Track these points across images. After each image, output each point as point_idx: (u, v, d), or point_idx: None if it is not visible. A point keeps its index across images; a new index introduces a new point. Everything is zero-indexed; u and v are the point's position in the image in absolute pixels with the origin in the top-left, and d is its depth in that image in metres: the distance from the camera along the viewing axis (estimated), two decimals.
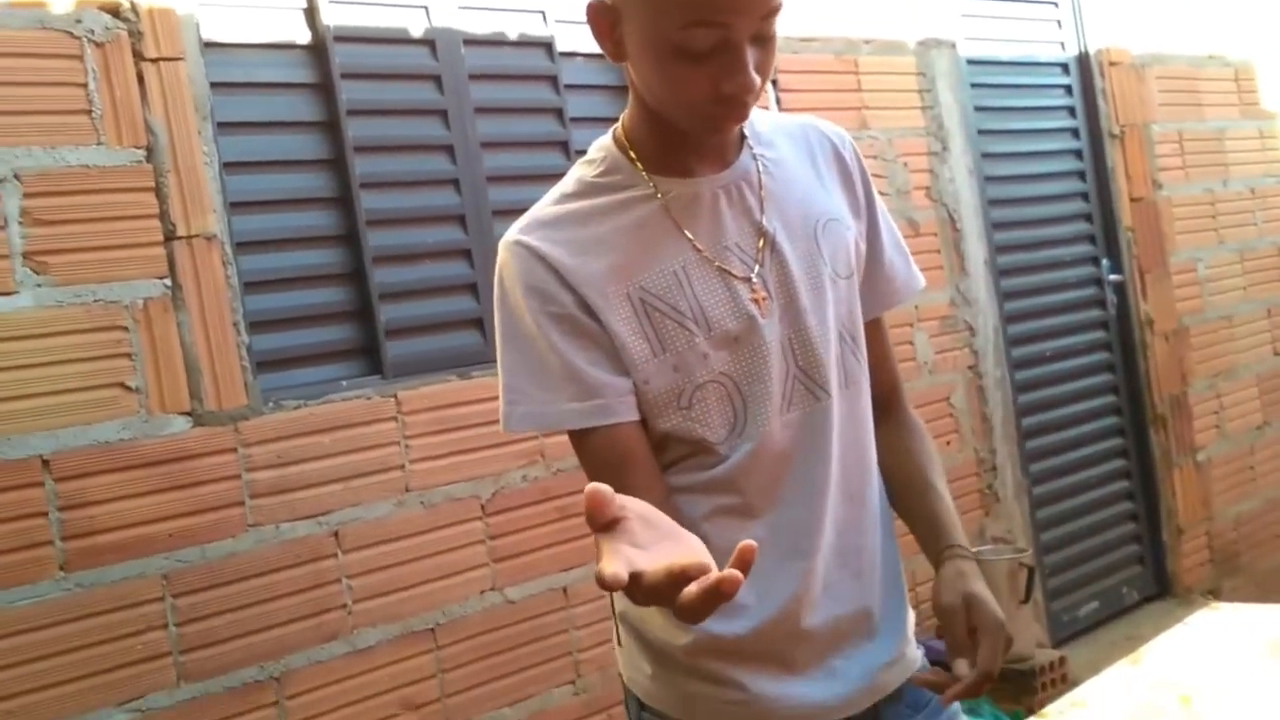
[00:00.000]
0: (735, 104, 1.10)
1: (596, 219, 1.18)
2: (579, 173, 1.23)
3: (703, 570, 0.72)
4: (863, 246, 1.29)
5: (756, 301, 1.17)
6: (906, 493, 1.32)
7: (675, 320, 1.16)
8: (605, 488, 0.74)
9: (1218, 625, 2.05)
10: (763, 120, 1.28)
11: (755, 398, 1.18)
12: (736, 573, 0.71)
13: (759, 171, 1.22)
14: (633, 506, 0.78)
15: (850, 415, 1.24)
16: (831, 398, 1.20)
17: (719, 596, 0.71)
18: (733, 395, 1.18)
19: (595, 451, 1.17)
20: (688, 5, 1.04)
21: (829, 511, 1.21)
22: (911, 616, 1.32)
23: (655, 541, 0.77)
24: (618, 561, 0.71)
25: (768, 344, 1.17)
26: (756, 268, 1.18)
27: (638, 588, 0.72)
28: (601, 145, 1.23)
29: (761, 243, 1.20)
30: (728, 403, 1.18)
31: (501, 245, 1.19)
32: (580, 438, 1.18)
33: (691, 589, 0.71)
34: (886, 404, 1.35)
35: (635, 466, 1.17)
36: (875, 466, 1.28)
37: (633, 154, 1.20)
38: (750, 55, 1.08)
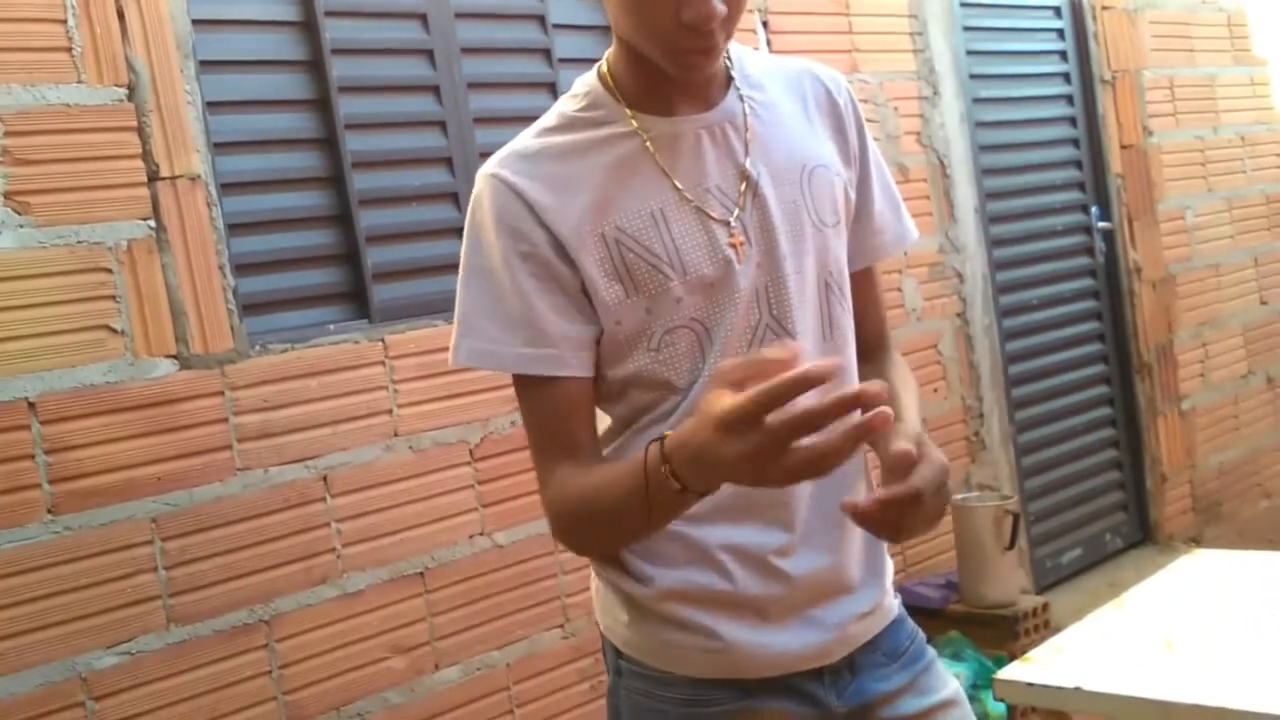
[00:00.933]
0: (700, 35, 1.08)
1: (576, 155, 1.16)
2: (561, 107, 1.21)
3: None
4: (852, 195, 1.27)
5: (734, 246, 1.15)
6: None
7: (649, 263, 1.14)
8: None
9: (1199, 571, 2.07)
10: (754, 62, 1.26)
11: (719, 342, 1.16)
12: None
13: (745, 113, 1.20)
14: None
15: (838, 366, 1.22)
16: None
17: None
18: (702, 340, 1.16)
19: (539, 399, 1.16)
20: None
21: (795, 491, 1.18)
22: (890, 567, 1.31)
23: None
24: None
25: (741, 290, 1.15)
26: (736, 211, 1.17)
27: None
28: (586, 81, 1.21)
29: (744, 186, 1.17)
30: (697, 347, 1.16)
31: (478, 176, 1.18)
32: (525, 383, 1.17)
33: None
34: (872, 351, 1.34)
35: (579, 421, 1.17)
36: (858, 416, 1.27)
37: (616, 91, 1.18)
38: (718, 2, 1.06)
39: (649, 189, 1.15)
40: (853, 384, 1.20)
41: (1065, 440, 4.20)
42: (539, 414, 1.17)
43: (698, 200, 1.16)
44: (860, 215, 1.29)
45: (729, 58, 1.22)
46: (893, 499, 1.01)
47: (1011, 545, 3.24)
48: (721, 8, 1.07)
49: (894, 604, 1.31)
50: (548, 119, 1.20)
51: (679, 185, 1.16)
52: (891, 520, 1.03)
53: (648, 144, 1.16)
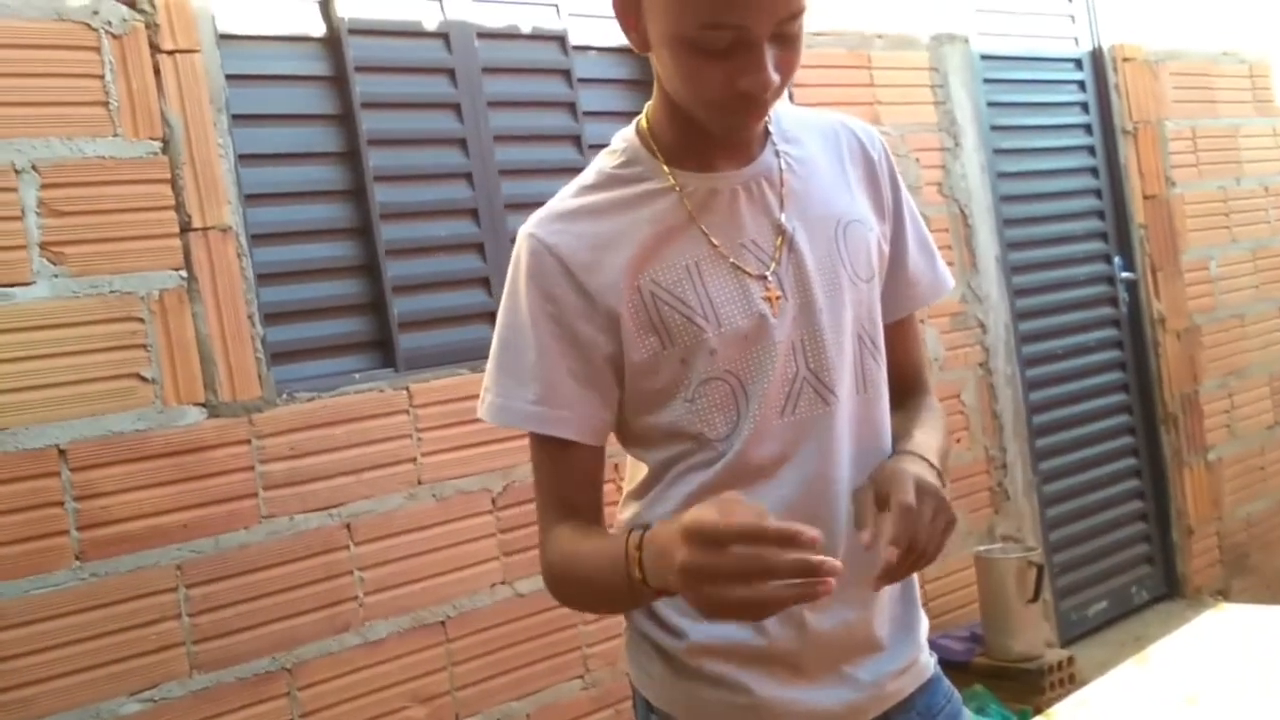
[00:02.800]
0: (753, 101, 1.10)
1: (614, 212, 1.18)
2: (600, 164, 1.23)
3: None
4: (885, 248, 1.28)
5: (769, 300, 1.17)
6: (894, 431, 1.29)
7: (684, 314, 1.15)
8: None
9: (1226, 627, 2.05)
10: (789, 116, 1.27)
11: (756, 396, 1.16)
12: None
13: (781, 169, 1.21)
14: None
15: (865, 419, 1.22)
16: (839, 401, 1.19)
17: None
18: (737, 393, 1.17)
19: (547, 458, 1.20)
20: (704, 6, 1.04)
21: (838, 516, 1.19)
22: (925, 623, 1.31)
23: None
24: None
25: (777, 344, 1.16)
26: (773, 265, 1.18)
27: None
28: (624, 136, 1.23)
29: (779, 240, 1.19)
30: (731, 400, 1.17)
31: (519, 234, 1.20)
32: (536, 440, 1.20)
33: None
34: (909, 397, 1.34)
35: (582, 487, 1.20)
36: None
37: (654, 146, 1.20)
38: (770, 54, 1.07)
39: (684, 244, 1.17)
40: (884, 433, 1.25)
41: (1090, 491, 4.17)
42: (545, 471, 1.21)
43: (733, 255, 1.17)
44: (895, 267, 1.30)
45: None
46: (890, 575, 1.07)
47: (1036, 598, 3.22)
48: (776, 77, 1.08)
49: (929, 662, 1.30)
50: (586, 176, 1.22)
51: (714, 241, 1.17)
52: (914, 552, 1.07)
53: (685, 200, 1.18)
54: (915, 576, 1.29)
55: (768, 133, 1.23)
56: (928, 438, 1.24)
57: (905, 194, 1.31)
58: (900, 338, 1.32)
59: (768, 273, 1.18)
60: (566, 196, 1.21)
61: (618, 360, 1.17)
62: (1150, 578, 4.34)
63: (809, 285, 1.19)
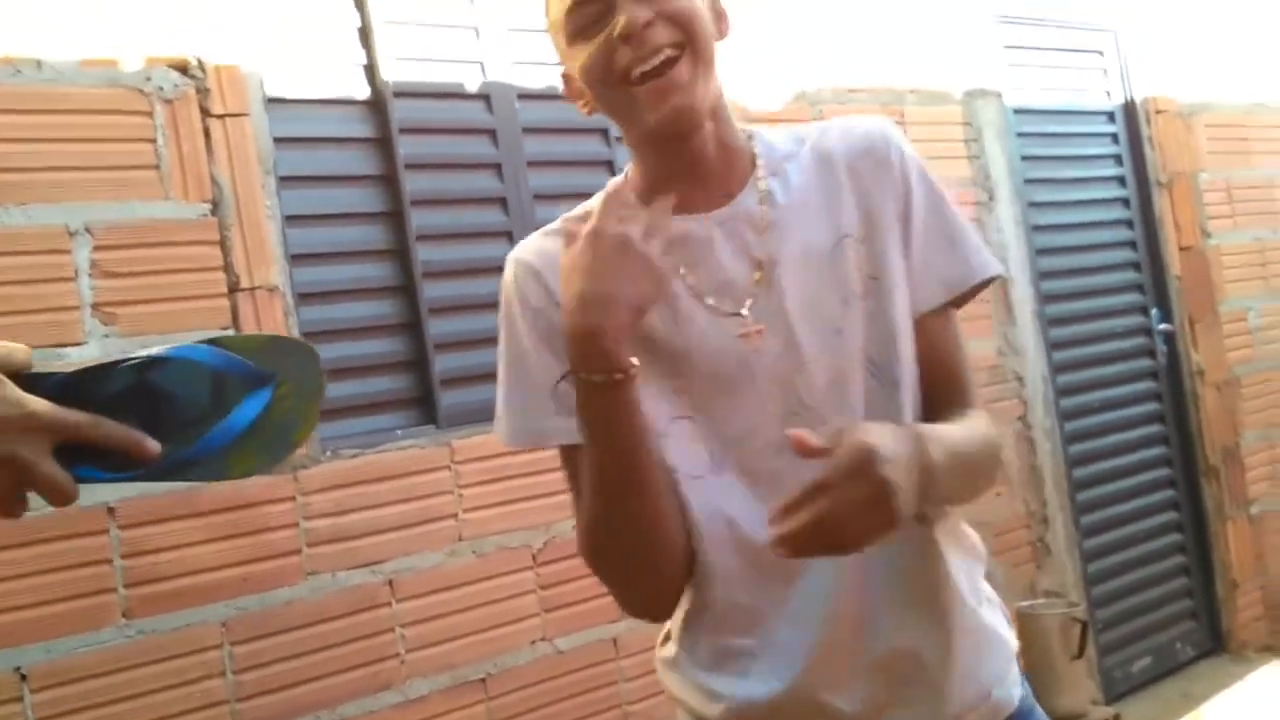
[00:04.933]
0: (641, 48, 1.09)
1: None
2: (591, 201, 1.22)
3: None
4: (896, 251, 1.18)
5: (746, 337, 1.14)
6: None
7: (656, 353, 1.13)
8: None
9: (1276, 683, 2.02)
10: (787, 139, 1.22)
11: (739, 438, 1.13)
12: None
13: (763, 204, 1.17)
14: None
15: None
16: None
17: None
18: (706, 436, 1.14)
19: (578, 468, 1.15)
20: None
21: (848, 571, 1.11)
22: (1003, 651, 1.20)
23: None
24: None
25: (757, 380, 1.13)
26: (749, 302, 1.14)
27: None
28: (614, 181, 1.23)
29: (758, 276, 1.15)
30: (700, 443, 1.14)
31: (506, 260, 1.21)
32: (564, 453, 1.18)
33: None
34: (947, 412, 1.18)
35: None
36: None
37: (634, 192, 1.18)
38: (641, 10, 1.08)
39: None
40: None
41: (1132, 545, 4.12)
42: (576, 480, 1.17)
43: (708, 295, 1.15)
44: (912, 266, 1.19)
45: (756, 143, 1.20)
46: (796, 501, 0.95)
47: (1080, 654, 3.17)
48: (643, 13, 1.08)
49: (1010, 696, 1.19)
50: (577, 210, 1.23)
51: (689, 282, 1.15)
52: (813, 528, 0.94)
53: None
54: (976, 597, 1.19)
55: (754, 166, 1.19)
56: (944, 426, 1.11)
57: (921, 185, 1.20)
58: (921, 342, 1.19)
59: (744, 309, 1.14)
60: (555, 224, 1.21)
61: None
62: (1195, 633, 4.27)
63: (790, 320, 1.14)
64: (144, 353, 0.97)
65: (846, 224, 1.17)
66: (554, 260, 1.14)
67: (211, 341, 1.03)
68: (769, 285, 1.15)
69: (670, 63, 1.10)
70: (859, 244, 1.17)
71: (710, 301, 1.15)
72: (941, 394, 1.18)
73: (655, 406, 1.13)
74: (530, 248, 1.21)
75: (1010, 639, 1.24)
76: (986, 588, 1.24)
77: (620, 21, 1.08)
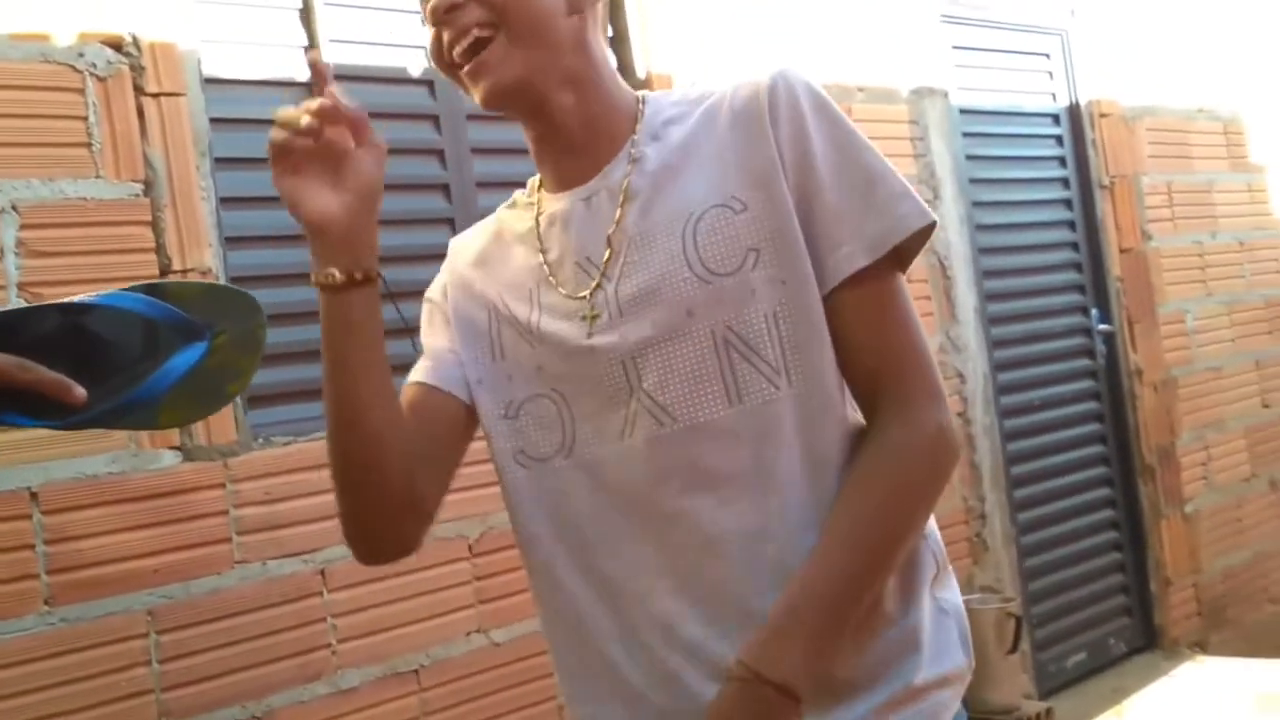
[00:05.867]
0: (449, 25, 1.09)
1: (499, 236, 1.24)
2: (520, 192, 1.27)
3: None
4: (791, 213, 1.06)
5: (589, 319, 1.11)
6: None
7: (517, 331, 1.17)
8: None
9: (1203, 679, 2.06)
10: (679, 101, 1.16)
11: (584, 418, 1.12)
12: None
13: (628, 174, 1.13)
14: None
15: (753, 436, 1.05)
16: (677, 422, 1.06)
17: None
18: (561, 412, 1.14)
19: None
20: None
21: (706, 544, 1.05)
22: (921, 655, 1.09)
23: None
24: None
25: (599, 364, 1.10)
26: (596, 283, 1.11)
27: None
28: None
29: (608, 255, 1.11)
30: (556, 420, 1.14)
31: None
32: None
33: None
34: (871, 410, 1.08)
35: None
36: (794, 492, 1.06)
37: (539, 172, 1.22)
38: None
39: (525, 265, 1.18)
40: (778, 449, 1.05)
41: (1068, 542, 4.17)
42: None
43: (557, 274, 1.15)
44: (811, 230, 1.06)
45: (642, 106, 1.17)
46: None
47: (1014, 649, 3.21)
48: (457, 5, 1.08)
49: (937, 707, 1.08)
50: (512, 197, 1.27)
51: (548, 261, 1.16)
52: None
53: (538, 221, 1.19)
54: (897, 592, 1.09)
55: (636, 131, 1.14)
56: (813, 575, 1.00)
57: (824, 132, 1.07)
58: (835, 322, 1.06)
59: (587, 291, 1.12)
60: (491, 214, 1.29)
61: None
62: (1128, 629, 4.34)
63: (635, 300, 1.08)
64: (75, 298, 0.94)
65: (728, 189, 1.08)
66: (469, 249, 1.25)
67: (149, 289, 1.01)
68: (622, 264, 1.11)
69: (482, 43, 1.09)
70: (739, 212, 1.07)
71: (556, 283, 1.15)
72: (867, 386, 1.08)
73: (510, 388, 1.17)
74: (461, 236, 1.30)
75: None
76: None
77: (430, 7, 1.10)
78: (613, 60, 1.22)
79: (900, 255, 1.08)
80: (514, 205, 1.25)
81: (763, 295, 1.06)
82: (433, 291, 1.28)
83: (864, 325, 1.07)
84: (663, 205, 1.10)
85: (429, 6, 1.10)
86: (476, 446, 2.64)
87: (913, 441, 1.05)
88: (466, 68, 1.10)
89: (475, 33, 1.08)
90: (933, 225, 1.08)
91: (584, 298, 1.12)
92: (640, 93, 1.19)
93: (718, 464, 1.06)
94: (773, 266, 1.06)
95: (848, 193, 1.06)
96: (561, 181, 1.18)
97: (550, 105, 1.12)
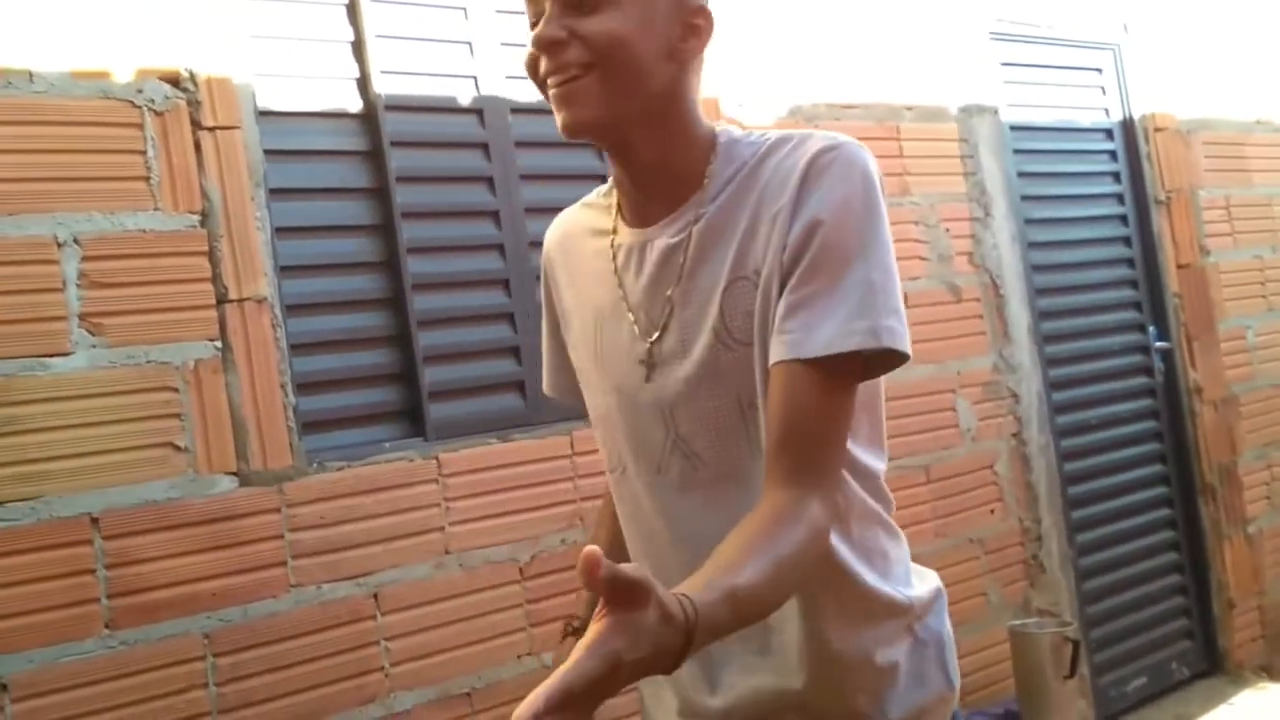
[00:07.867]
0: (549, 66, 1.11)
1: (585, 237, 1.30)
2: (603, 187, 1.31)
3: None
4: (774, 292, 1.11)
5: (644, 364, 1.20)
6: None
7: (588, 351, 1.28)
8: (595, 552, 0.80)
9: (1268, 705, 2.01)
10: (744, 154, 1.17)
11: (631, 453, 1.24)
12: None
13: (689, 228, 1.16)
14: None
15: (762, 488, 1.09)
16: (708, 468, 1.17)
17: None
18: (617, 437, 1.25)
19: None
20: None
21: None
22: (897, 688, 1.20)
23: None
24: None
25: (642, 406, 1.20)
26: (656, 334, 1.19)
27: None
28: (599, 189, 1.33)
29: (667, 310, 1.19)
30: (613, 441, 1.26)
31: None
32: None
33: None
34: (768, 488, 1.07)
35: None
36: None
37: (617, 196, 1.25)
38: (563, 17, 1.10)
39: (603, 290, 1.24)
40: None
41: (1127, 564, 4.10)
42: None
43: (633, 313, 1.21)
44: (779, 310, 1.10)
45: (715, 150, 1.17)
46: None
47: (1072, 674, 3.16)
48: (557, 32, 1.09)
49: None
50: (593, 193, 1.33)
51: (626, 298, 1.22)
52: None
53: (614, 247, 1.23)
54: (872, 651, 1.18)
55: (704, 184, 1.16)
56: (737, 585, 0.94)
57: (831, 224, 1.08)
58: (768, 394, 1.09)
59: (650, 340, 1.20)
60: (575, 207, 1.35)
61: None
62: (1190, 653, 4.25)
63: (677, 356, 1.18)
64: None
65: (751, 262, 1.12)
66: (577, 228, 1.31)
67: None
68: (674, 317, 1.18)
69: (576, 78, 1.11)
70: (755, 286, 1.12)
71: (631, 321, 1.22)
72: (771, 458, 1.07)
73: (589, 395, 1.31)
74: (566, 214, 1.36)
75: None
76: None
77: (534, 36, 1.12)
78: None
79: (864, 362, 1.09)
80: (590, 205, 1.32)
81: (762, 365, 1.14)
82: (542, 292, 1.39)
83: (777, 407, 1.08)
84: (708, 268, 1.15)
85: (534, 34, 1.12)
86: (523, 472, 2.66)
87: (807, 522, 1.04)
88: (555, 91, 1.12)
89: (573, 70, 1.10)
90: (903, 356, 1.08)
91: (645, 343, 1.20)
92: (718, 129, 1.20)
93: (731, 510, 1.10)
94: (765, 344, 1.12)
95: (812, 293, 1.08)
96: (636, 215, 1.22)
97: (630, 147, 1.16)
